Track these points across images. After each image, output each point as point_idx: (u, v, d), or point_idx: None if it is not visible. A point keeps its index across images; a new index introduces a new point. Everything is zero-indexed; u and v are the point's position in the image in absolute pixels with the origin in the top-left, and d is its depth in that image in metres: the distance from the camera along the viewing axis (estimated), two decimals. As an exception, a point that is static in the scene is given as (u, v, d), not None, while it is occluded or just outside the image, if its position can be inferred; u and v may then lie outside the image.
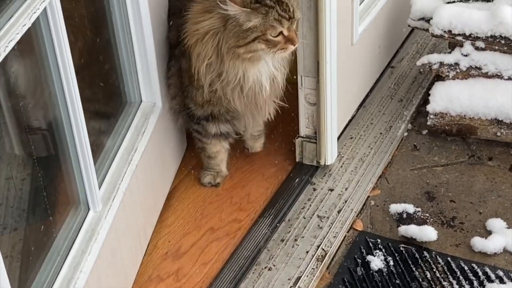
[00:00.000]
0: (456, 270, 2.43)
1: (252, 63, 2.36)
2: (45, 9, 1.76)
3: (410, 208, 2.66)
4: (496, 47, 2.86)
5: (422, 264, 2.46)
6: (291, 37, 2.31)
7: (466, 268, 2.44)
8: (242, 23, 2.26)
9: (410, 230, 2.56)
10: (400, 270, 2.45)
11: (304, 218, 2.63)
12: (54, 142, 2.06)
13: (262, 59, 2.37)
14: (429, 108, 2.96)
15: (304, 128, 2.80)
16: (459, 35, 2.90)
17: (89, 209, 2.10)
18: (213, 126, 2.61)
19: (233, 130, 2.67)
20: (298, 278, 2.40)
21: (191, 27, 2.36)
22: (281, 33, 2.30)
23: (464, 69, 2.92)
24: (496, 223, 2.57)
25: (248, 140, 2.85)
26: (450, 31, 2.91)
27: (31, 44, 1.85)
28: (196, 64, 2.38)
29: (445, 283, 2.39)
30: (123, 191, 2.20)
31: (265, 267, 2.45)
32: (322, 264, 2.45)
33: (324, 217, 2.63)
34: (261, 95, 2.47)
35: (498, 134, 2.89)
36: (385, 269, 2.46)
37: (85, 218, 2.08)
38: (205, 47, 2.34)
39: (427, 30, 3.05)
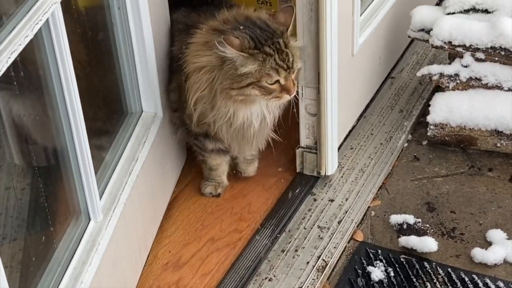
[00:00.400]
0: (457, 281, 2.43)
1: (244, 104, 2.33)
2: (47, 20, 1.77)
3: (410, 218, 2.66)
4: (496, 58, 2.87)
5: (422, 275, 2.46)
6: (287, 86, 2.27)
7: (466, 279, 2.44)
8: (238, 67, 2.23)
9: (411, 241, 2.56)
10: (400, 281, 2.45)
11: (305, 228, 2.63)
12: (55, 152, 2.07)
13: (257, 102, 2.34)
14: (429, 119, 2.97)
15: (305, 139, 2.81)
16: (459, 46, 2.91)
17: (90, 220, 2.10)
18: (210, 143, 2.61)
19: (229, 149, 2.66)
20: (299, 289, 2.40)
21: (190, 57, 2.34)
22: (277, 81, 2.26)
23: (464, 80, 2.93)
24: (496, 234, 2.57)
25: (241, 163, 2.81)
26: (450, 42, 2.92)
27: (33, 54, 1.86)
28: (190, 93, 2.37)
29: (445, 294, 2.39)
30: (123, 201, 2.20)
31: (266, 278, 2.45)
32: (323, 275, 2.45)
33: (325, 227, 2.63)
34: (249, 131, 2.44)
35: (498, 145, 2.90)
36: (386, 280, 2.46)
37: (86, 228, 2.08)
38: (199, 80, 2.31)
39: (427, 41, 3.06)
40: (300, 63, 2.35)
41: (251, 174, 2.85)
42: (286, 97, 2.30)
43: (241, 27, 2.28)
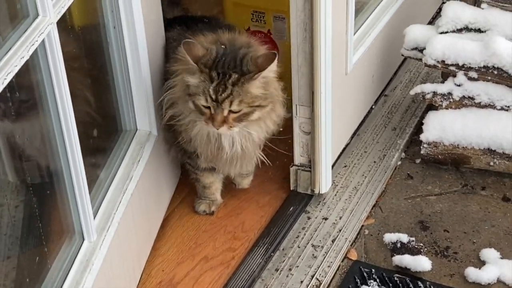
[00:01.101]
0: (450, 300, 2.44)
1: (198, 117, 2.31)
2: (43, 41, 1.77)
3: (404, 237, 2.67)
4: (489, 78, 2.89)
5: (416, 295, 2.47)
6: (214, 118, 2.22)
7: (460, 298, 2.44)
8: (187, 75, 2.25)
9: (404, 260, 2.56)
10: (394, 301, 2.45)
11: (299, 247, 2.63)
12: (49, 170, 2.06)
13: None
14: (423, 137, 2.98)
15: (299, 157, 2.81)
16: (452, 65, 2.93)
17: (83, 239, 2.09)
18: (202, 162, 2.61)
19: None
20: (293, 308, 2.39)
21: (176, 63, 2.39)
22: (208, 107, 2.24)
23: (457, 99, 2.95)
24: (490, 254, 2.58)
25: (236, 176, 2.81)
26: (443, 61, 2.94)
27: (28, 74, 1.86)
28: (163, 95, 2.41)
29: (439, 314, 2.39)
30: (118, 220, 2.20)
31: (260, 297, 2.44)
32: (317, 294, 2.46)
33: (319, 246, 2.63)
34: (222, 154, 2.42)
35: (491, 163, 2.91)
36: (380, 300, 2.46)
37: (80, 248, 2.08)
38: (177, 83, 2.35)
39: (420, 59, 3.08)
40: (247, 108, 2.24)
41: (245, 186, 2.86)
42: (211, 127, 2.26)
43: (222, 46, 2.29)
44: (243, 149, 2.41)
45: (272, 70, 2.25)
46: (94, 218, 2.13)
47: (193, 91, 2.25)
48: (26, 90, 1.92)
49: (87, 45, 2.27)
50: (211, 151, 2.43)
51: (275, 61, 2.23)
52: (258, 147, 2.51)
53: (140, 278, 2.49)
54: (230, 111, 2.24)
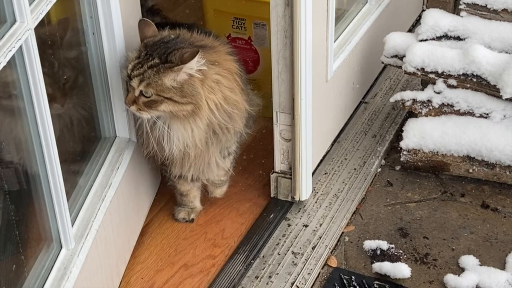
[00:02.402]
0: (430, 307, 2.44)
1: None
2: (20, 47, 1.76)
3: (384, 244, 2.67)
4: (468, 85, 2.91)
5: (396, 302, 2.47)
6: (127, 95, 2.28)
7: (439, 305, 2.45)
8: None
9: (384, 267, 2.56)
10: (374, 308, 2.45)
11: (279, 254, 2.62)
12: (26, 177, 2.04)
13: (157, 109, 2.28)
14: (402, 144, 2.99)
15: (279, 164, 2.81)
16: (431, 72, 2.94)
17: (61, 247, 2.07)
18: (174, 168, 2.57)
19: None
20: (272, 316, 2.39)
21: None
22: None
23: (437, 106, 2.96)
24: (469, 260, 2.59)
25: (209, 185, 2.79)
26: (423, 69, 2.95)
27: (5, 80, 1.85)
28: None
29: (419, 321, 2.39)
30: (96, 228, 2.18)
31: (239, 305, 2.43)
32: (297, 301, 2.45)
33: (299, 253, 2.63)
34: (162, 153, 2.41)
35: (470, 170, 2.93)
36: (359, 307, 2.46)
37: (58, 256, 2.06)
38: None
39: (400, 67, 3.09)
40: (156, 97, 2.23)
41: (218, 195, 2.83)
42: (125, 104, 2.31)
43: (171, 36, 2.32)
44: (185, 151, 2.38)
45: (192, 67, 2.21)
46: (72, 225, 2.11)
47: (124, 64, 2.30)
48: (3, 96, 1.90)
49: (65, 51, 2.26)
50: (153, 146, 2.41)
51: (196, 58, 2.19)
52: (209, 152, 2.47)
53: (119, 286, 2.47)
54: (141, 94, 2.25)
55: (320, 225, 2.75)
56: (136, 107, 2.27)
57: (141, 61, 2.25)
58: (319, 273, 2.58)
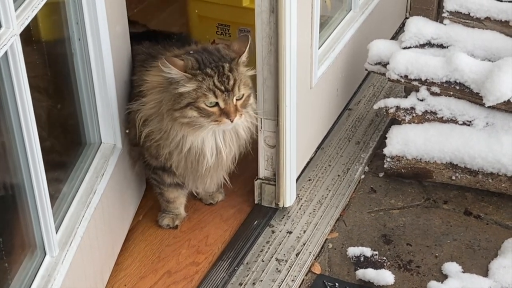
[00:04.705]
0: (413, 314, 2.45)
1: (192, 130, 2.32)
2: (6, 53, 1.74)
3: (367, 251, 2.68)
4: (451, 93, 2.93)
5: (379, 308, 2.48)
6: (227, 110, 2.25)
7: (423, 312, 2.46)
8: (178, 87, 2.25)
9: (368, 274, 2.57)
10: (358, 315, 2.46)
11: (263, 261, 2.62)
12: (10, 183, 2.02)
13: (205, 129, 2.32)
14: (386, 151, 3.00)
15: (263, 170, 2.81)
16: (415, 80, 2.96)
17: (45, 254, 2.06)
18: (168, 177, 2.60)
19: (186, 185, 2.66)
20: (257, 323, 2.38)
21: (147, 76, 2.39)
22: (217, 104, 2.26)
23: (420, 113, 2.98)
24: (451, 267, 2.60)
25: (203, 195, 2.85)
26: (406, 76, 2.97)
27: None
28: (138, 112, 2.40)
29: (402, 328, 2.40)
30: (80, 235, 2.16)
31: (224, 312, 2.43)
32: (281, 308, 2.45)
33: (283, 260, 2.63)
34: (203, 165, 2.42)
35: (453, 178, 2.94)
36: (343, 314, 2.46)
37: (41, 263, 2.04)
38: (150, 100, 2.35)
39: (383, 74, 3.11)
40: (247, 90, 2.33)
41: (214, 203, 2.87)
42: (226, 122, 2.27)
43: (191, 52, 2.33)
44: (222, 157, 2.42)
45: (245, 55, 2.34)
46: (56, 232, 2.09)
47: (193, 96, 2.24)
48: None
49: (51, 56, 2.24)
50: (191, 163, 2.42)
51: (248, 44, 2.33)
52: (233, 158, 2.52)
53: (103, 293, 2.46)
54: (236, 99, 2.29)
55: (304, 231, 2.76)
56: (239, 114, 2.29)
57: (219, 74, 2.25)
58: (303, 279, 2.59)
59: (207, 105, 2.25)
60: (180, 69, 2.23)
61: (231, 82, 2.26)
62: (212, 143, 2.39)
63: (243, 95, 2.30)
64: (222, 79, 2.25)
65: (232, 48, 2.35)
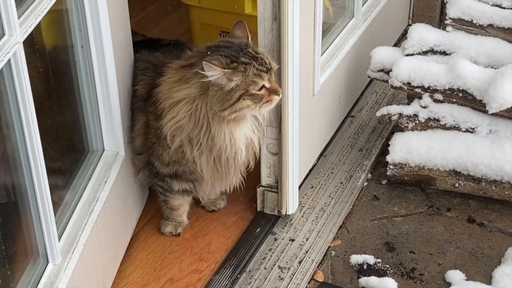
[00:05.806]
0: (417, 322, 2.44)
1: (237, 123, 2.37)
2: (9, 60, 1.74)
3: (370, 259, 2.67)
4: (454, 100, 2.93)
5: (383, 316, 2.47)
6: (273, 88, 2.34)
7: (426, 320, 2.45)
8: (224, 85, 2.27)
9: (371, 281, 2.56)
10: (361, 323, 2.45)
11: (265, 269, 2.61)
12: (13, 190, 2.02)
13: (246, 118, 2.37)
14: (389, 158, 2.99)
15: (266, 178, 2.81)
16: (418, 87, 2.96)
17: (48, 262, 2.05)
18: (177, 184, 2.60)
19: (195, 190, 2.67)
20: (260, 331, 2.38)
21: (165, 93, 2.37)
22: (263, 86, 2.32)
23: (423, 120, 2.98)
24: (455, 275, 2.59)
25: (205, 203, 2.85)
26: (409, 83, 2.97)
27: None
28: (166, 128, 2.38)
29: (406, 336, 2.39)
30: (83, 243, 2.16)
31: (226, 320, 2.42)
32: (284, 316, 2.44)
33: (285, 268, 2.62)
34: (235, 161, 2.46)
35: (456, 185, 2.94)
36: (347, 322, 2.45)
37: (44, 271, 2.03)
38: (178, 112, 2.35)
39: (386, 81, 3.11)
40: (275, 63, 2.40)
41: (216, 210, 2.87)
42: (276, 98, 2.36)
43: (208, 53, 2.32)
44: (253, 145, 2.49)
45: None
46: (59, 240, 2.09)
47: (244, 87, 2.28)
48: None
49: (54, 64, 2.24)
50: (226, 160, 2.45)
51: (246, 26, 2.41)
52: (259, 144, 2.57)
53: (105, 300, 2.45)
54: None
55: (307, 239, 2.75)
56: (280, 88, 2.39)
57: (254, 60, 2.29)
58: (306, 287, 2.58)
59: (256, 91, 2.31)
60: (220, 67, 2.25)
61: (267, 61, 2.33)
62: (244, 134, 2.43)
63: (276, 68, 2.39)
64: (259, 61, 2.31)
65: (237, 36, 2.40)
